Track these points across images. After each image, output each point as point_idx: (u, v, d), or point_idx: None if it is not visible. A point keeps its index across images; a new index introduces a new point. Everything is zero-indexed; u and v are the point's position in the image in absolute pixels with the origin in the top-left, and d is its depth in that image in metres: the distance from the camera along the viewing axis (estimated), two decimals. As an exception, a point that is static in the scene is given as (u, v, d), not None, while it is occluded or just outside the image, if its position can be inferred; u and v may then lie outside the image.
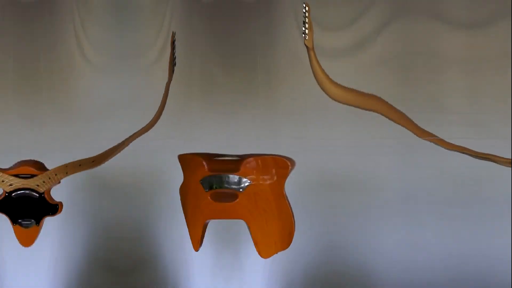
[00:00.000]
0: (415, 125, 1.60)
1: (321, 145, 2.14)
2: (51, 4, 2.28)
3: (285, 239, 1.59)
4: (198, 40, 2.24)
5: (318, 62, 1.53)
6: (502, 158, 1.50)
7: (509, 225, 2.11)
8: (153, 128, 1.73)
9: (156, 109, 1.74)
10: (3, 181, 1.58)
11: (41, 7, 2.27)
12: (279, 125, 2.21)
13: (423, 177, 2.17)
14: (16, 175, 1.58)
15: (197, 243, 1.63)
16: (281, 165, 1.56)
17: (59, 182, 1.62)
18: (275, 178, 1.56)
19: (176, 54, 1.77)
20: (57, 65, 2.28)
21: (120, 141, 1.70)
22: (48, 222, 1.66)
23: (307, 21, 1.49)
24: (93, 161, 1.63)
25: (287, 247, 1.59)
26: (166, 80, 1.77)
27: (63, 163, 1.61)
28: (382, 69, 2.18)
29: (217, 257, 2.22)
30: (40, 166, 1.63)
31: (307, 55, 1.53)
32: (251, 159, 1.56)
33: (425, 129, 1.61)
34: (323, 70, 1.54)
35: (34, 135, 2.26)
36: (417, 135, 1.60)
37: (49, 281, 2.27)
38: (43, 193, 1.60)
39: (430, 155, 2.05)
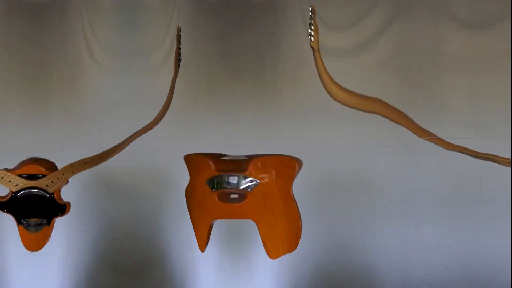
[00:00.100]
0: (416, 125, 1.60)
1: (326, 145, 2.13)
2: (60, 4, 2.28)
3: (293, 240, 1.57)
4: (205, 40, 2.24)
5: (323, 64, 1.54)
6: (502, 158, 1.49)
7: (509, 225, 2.11)
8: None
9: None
10: (10, 181, 1.56)
11: (50, 7, 2.27)
12: (284, 125, 2.20)
13: (423, 177, 2.17)
14: (21, 175, 1.57)
15: (203, 244, 1.62)
16: (288, 165, 1.55)
17: (67, 182, 1.61)
18: (283, 178, 1.56)
19: (182, 50, 1.76)
20: (65, 66, 2.28)
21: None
22: (55, 222, 1.65)
23: (312, 23, 1.51)
24: (98, 158, 1.62)
25: (294, 249, 1.58)
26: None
27: (69, 163, 1.60)
28: (384, 69, 2.18)
29: (224, 258, 2.22)
30: (49, 166, 1.61)
31: (312, 56, 1.54)
32: (258, 158, 1.55)
33: (426, 129, 1.61)
34: (327, 72, 1.54)
35: (42, 134, 2.25)
36: (417, 135, 1.60)
37: (56, 281, 2.27)
38: (52, 193, 1.59)
39: (430, 155, 2.05)
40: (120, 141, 1.67)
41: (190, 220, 1.64)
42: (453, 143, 1.57)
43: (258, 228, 1.57)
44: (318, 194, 2.17)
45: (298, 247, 1.58)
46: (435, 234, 2.17)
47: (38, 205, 1.59)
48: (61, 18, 2.28)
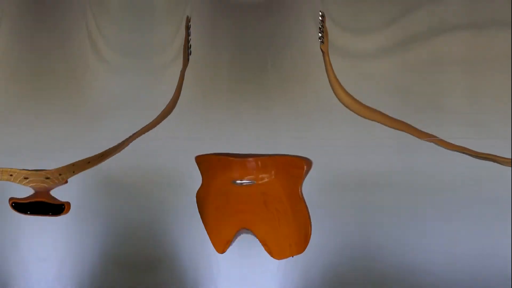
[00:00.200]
0: (417, 129, 1.61)
1: (335, 145, 2.13)
2: (62, 2, 2.28)
3: (301, 242, 1.56)
4: (212, 40, 2.23)
5: (332, 67, 1.57)
6: (503, 158, 1.50)
7: (509, 225, 2.11)
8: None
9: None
10: (11, 175, 1.55)
11: (52, 5, 2.27)
12: (289, 126, 2.20)
13: (423, 177, 2.17)
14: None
15: (224, 244, 1.60)
16: (295, 165, 1.55)
17: (66, 182, 1.60)
18: (289, 178, 1.55)
19: (191, 42, 1.76)
20: (69, 65, 2.27)
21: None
22: (61, 221, 1.65)
23: (323, 27, 1.58)
24: (101, 156, 1.60)
25: (302, 251, 1.57)
26: (185, 85, 1.75)
27: (71, 162, 1.59)
28: (385, 68, 2.19)
29: (234, 258, 2.22)
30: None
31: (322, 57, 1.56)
32: (258, 158, 1.55)
33: (425, 128, 1.61)
34: (335, 76, 1.57)
35: (44, 134, 2.24)
36: (417, 137, 1.60)
37: (63, 281, 2.27)
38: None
39: (430, 155, 2.05)
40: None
41: (198, 221, 1.63)
42: (453, 143, 1.57)
43: (253, 231, 1.56)
44: (326, 194, 2.16)
45: (307, 247, 1.57)
46: (435, 234, 2.17)
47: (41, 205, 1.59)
48: (63, 16, 2.28)
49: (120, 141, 1.64)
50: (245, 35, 2.21)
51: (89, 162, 1.58)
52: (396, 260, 2.18)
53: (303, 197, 1.55)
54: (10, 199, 1.60)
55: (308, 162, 1.56)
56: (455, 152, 1.56)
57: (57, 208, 1.60)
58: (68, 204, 1.62)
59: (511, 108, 2.12)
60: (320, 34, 1.62)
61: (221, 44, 2.23)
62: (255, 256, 2.18)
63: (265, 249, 1.56)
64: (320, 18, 1.63)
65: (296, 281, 2.19)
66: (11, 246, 2.26)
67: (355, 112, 1.62)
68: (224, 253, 1.65)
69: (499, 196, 2.12)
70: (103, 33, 2.27)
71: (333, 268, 2.18)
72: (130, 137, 1.63)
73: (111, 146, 1.62)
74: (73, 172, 1.56)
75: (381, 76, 2.19)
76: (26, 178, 1.52)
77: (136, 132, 1.63)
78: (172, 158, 2.18)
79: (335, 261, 2.17)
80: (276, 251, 1.55)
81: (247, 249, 2.18)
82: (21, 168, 1.54)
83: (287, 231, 1.54)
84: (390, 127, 1.59)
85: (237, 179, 1.55)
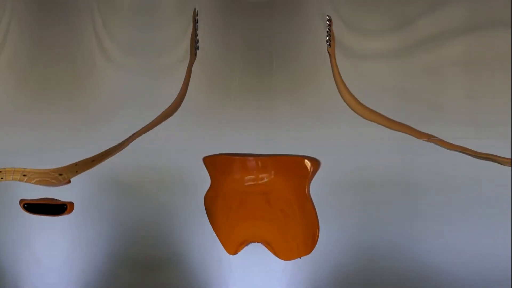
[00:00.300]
0: (417, 130, 1.61)
1: (344, 145, 2.13)
2: (69, 2, 2.28)
3: (309, 243, 1.55)
4: (221, 39, 2.23)
5: (338, 69, 1.63)
6: (503, 158, 1.50)
7: (509, 225, 2.11)
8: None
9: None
10: (24, 175, 1.54)
11: (58, 5, 2.28)
12: (293, 125, 2.20)
13: (423, 177, 2.17)
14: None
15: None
16: (300, 165, 1.54)
17: (69, 182, 1.58)
18: (296, 178, 1.54)
19: (198, 36, 1.76)
20: (75, 65, 2.28)
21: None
22: (70, 221, 1.64)
23: (330, 31, 1.65)
24: (104, 154, 1.58)
25: (310, 252, 1.56)
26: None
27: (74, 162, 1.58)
28: (385, 69, 2.19)
29: (243, 258, 2.21)
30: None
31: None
32: (258, 158, 1.55)
33: (426, 128, 1.61)
34: (341, 77, 1.60)
35: (49, 134, 2.25)
36: (417, 138, 1.61)
37: (72, 280, 2.27)
38: None
39: (431, 155, 2.05)
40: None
41: (207, 222, 1.62)
42: (453, 143, 1.57)
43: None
44: (335, 194, 2.16)
45: (316, 247, 1.56)
46: (436, 234, 2.17)
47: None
48: (71, 16, 2.28)
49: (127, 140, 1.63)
50: (252, 34, 2.22)
51: (93, 161, 1.56)
52: (403, 260, 2.18)
53: (310, 197, 1.54)
54: (21, 200, 1.60)
55: (314, 162, 1.54)
56: (455, 152, 1.57)
57: (59, 208, 1.60)
58: (71, 204, 1.61)
59: (511, 108, 2.12)
60: (327, 38, 1.68)
61: (229, 43, 2.23)
62: (264, 257, 2.19)
63: (270, 250, 1.55)
64: (327, 22, 1.69)
65: (304, 282, 2.19)
66: (21, 246, 2.26)
67: (358, 114, 1.64)
68: (225, 254, 1.64)
69: (499, 196, 2.12)
70: (110, 32, 2.28)
71: (341, 269, 2.18)
72: (133, 134, 1.62)
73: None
74: (76, 171, 1.55)
75: (382, 76, 2.19)
76: (37, 178, 1.52)
77: (142, 128, 1.62)
78: (180, 159, 2.18)
79: (343, 261, 2.18)
80: (282, 252, 1.54)
81: (256, 250, 2.19)
82: (25, 167, 1.54)
83: (294, 232, 1.53)
84: (392, 129, 1.60)
85: (247, 180, 1.55)
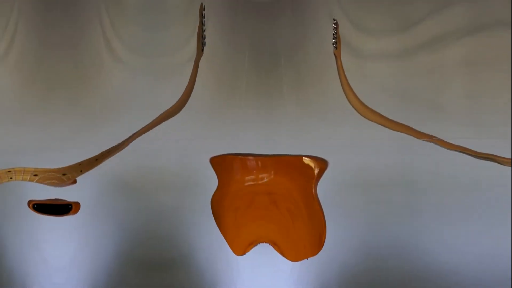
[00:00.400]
0: (417, 131, 1.61)
1: (353, 145, 2.14)
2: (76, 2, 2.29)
3: (316, 243, 1.54)
4: (228, 39, 2.23)
5: (343, 70, 1.67)
6: (503, 158, 1.50)
7: (509, 225, 2.11)
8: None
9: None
10: (35, 175, 1.53)
11: (66, 6, 2.28)
12: (300, 125, 2.20)
13: (424, 177, 2.17)
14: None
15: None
16: (305, 165, 1.54)
17: (75, 182, 1.58)
18: (302, 178, 1.53)
19: (205, 33, 1.76)
20: (84, 65, 2.28)
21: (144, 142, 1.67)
22: (77, 221, 1.63)
23: (336, 34, 1.71)
24: (107, 153, 1.55)
25: (317, 252, 1.55)
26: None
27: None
28: (387, 69, 2.19)
29: (252, 258, 2.20)
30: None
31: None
32: (259, 158, 1.54)
33: (426, 128, 1.62)
34: (346, 79, 1.66)
35: (56, 134, 2.25)
36: (417, 138, 1.61)
37: (86, 279, 2.27)
38: None
39: (430, 155, 2.05)
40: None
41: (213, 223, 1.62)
42: (453, 143, 1.57)
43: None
44: (340, 194, 2.16)
45: (324, 247, 1.55)
46: (436, 233, 2.17)
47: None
48: (78, 16, 2.28)
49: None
50: (259, 34, 2.22)
51: (96, 160, 1.55)
52: (407, 259, 2.18)
53: (317, 198, 1.54)
54: (30, 201, 1.59)
55: (321, 163, 1.54)
56: (455, 152, 1.57)
57: (64, 208, 1.60)
58: (77, 204, 1.61)
59: (511, 108, 2.12)
60: (333, 40, 1.72)
61: (236, 42, 2.23)
62: (271, 258, 2.18)
63: (277, 251, 1.54)
64: (333, 25, 1.73)
65: (312, 282, 2.19)
66: (29, 246, 2.27)
67: (362, 115, 1.65)
68: (232, 254, 1.64)
69: (499, 196, 2.12)
70: (118, 33, 2.27)
71: (347, 269, 2.18)
72: (135, 133, 1.61)
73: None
74: (81, 171, 1.54)
75: (383, 76, 2.19)
76: (44, 178, 1.52)
77: (145, 126, 1.61)
78: (187, 159, 2.18)
79: (350, 261, 2.18)
80: (290, 253, 1.52)
81: (264, 251, 2.19)
82: (33, 167, 1.54)
83: (301, 232, 1.52)
84: (394, 130, 1.61)
85: (254, 180, 1.55)
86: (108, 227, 2.26)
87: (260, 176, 1.55)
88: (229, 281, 2.21)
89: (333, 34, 1.73)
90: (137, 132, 1.57)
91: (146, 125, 1.59)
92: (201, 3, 1.78)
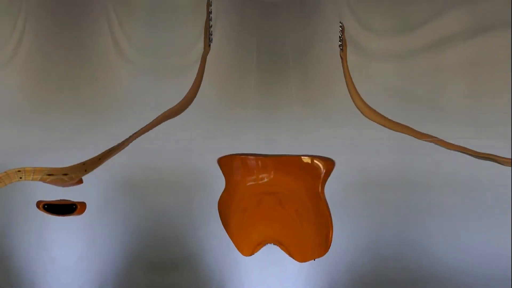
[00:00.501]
0: (417, 131, 1.62)
1: (359, 145, 2.14)
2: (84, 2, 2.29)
3: (322, 244, 1.54)
4: (236, 40, 2.24)
5: (349, 73, 1.71)
6: (503, 158, 1.50)
7: (509, 225, 2.11)
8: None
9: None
10: (49, 174, 1.52)
11: (74, 6, 2.29)
12: (306, 126, 2.20)
13: (424, 177, 2.17)
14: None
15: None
16: (312, 165, 1.53)
17: (81, 182, 1.58)
18: (310, 178, 1.53)
19: (212, 25, 1.77)
20: (92, 65, 2.28)
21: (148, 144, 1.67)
22: (83, 221, 1.63)
23: (342, 37, 1.76)
24: (110, 151, 1.54)
25: (324, 254, 1.55)
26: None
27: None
28: (387, 69, 2.19)
29: (257, 258, 2.20)
30: None
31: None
32: (269, 158, 1.54)
33: (426, 128, 1.62)
34: (352, 80, 1.69)
35: (65, 134, 2.26)
36: (417, 138, 1.61)
37: (94, 280, 2.28)
38: None
39: (430, 155, 2.05)
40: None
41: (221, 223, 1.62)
42: (453, 143, 1.57)
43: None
44: (352, 194, 2.16)
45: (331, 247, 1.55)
46: (436, 234, 2.17)
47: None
48: (85, 16, 2.28)
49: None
50: (268, 34, 2.22)
51: (100, 159, 1.55)
52: (422, 258, 2.18)
53: (324, 198, 1.54)
54: (39, 202, 1.59)
55: (328, 163, 1.54)
56: (455, 152, 1.57)
57: (69, 208, 1.60)
58: (83, 204, 1.60)
59: (511, 108, 2.12)
60: (340, 43, 1.77)
61: (244, 42, 2.23)
62: (279, 258, 2.18)
63: (285, 251, 1.54)
64: (340, 28, 1.78)
65: (320, 282, 2.19)
66: (37, 246, 2.27)
67: (366, 116, 1.66)
68: (239, 255, 1.64)
69: (499, 196, 2.12)
70: (126, 33, 2.27)
71: (357, 269, 2.18)
72: (137, 132, 1.61)
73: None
74: (85, 170, 1.54)
75: (383, 76, 2.19)
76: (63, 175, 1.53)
77: (151, 122, 1.61)
78: (194, 158, 2.18)
79: (357, 262, 2.18)
80: (297, 253, 1.52)
81: (272, 251, 2.19)
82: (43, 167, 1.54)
83: (308, 233, 1.52)
84: (397, 131, 1.63)
85: (262, 180, 1.55)
86: (116, 227, 2.26)
87: (267, 176, 1.55)
88: (237, 281, 2.22)
89: (340, 37, 1.78)
90: (141, 129, 1.57)
91: (152, 122, 1.59)
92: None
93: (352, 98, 1.69)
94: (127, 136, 1.54)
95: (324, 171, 1.53)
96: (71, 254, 2.26)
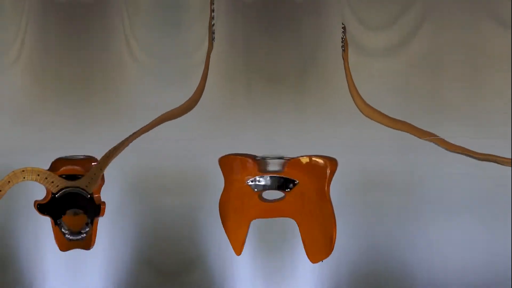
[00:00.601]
0: (418, 129, 1.62)
1: (362, 146, 2.14)
2: (99, 5, 2.28)
3: (327, 245, 1.56)
4: (244, 40, 2.24)
5: (350, 73, 1.72)
6: (503, 158, 1.50)
7: (509, 225, 2.11)
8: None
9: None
10: (52, 182, 1.55)
11: (90, 8, 2.28)
12: (312, 126, 2.21)
13: (424, 177, 2.17)
14: (61, 175, 1.56)
15: (241, 246, 1.61)
16: (318, 165, 1.54)
17: (103, 181, 1.60)
18: (317, 178, 1.54)
19: (215, 22, 1.78)
20: (105, 66, 2.28)
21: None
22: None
23: (344, 38, 1.77)
24: (113, 150, 1.57)
25: (329, 254, 1.57)
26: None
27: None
28: (389, 69, 2.20)
29: (262, 259, 2.21)
30: (85, 163, 1.62)
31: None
32: (294, 159, 1.55)
33: (426, 128, 1.62)
34: (353, 81, 1.70)
35: (78, 135, 2.26)
36: (419, 137, 1.61)
37: (97, 281, 2.27)
38: (92, 193, 1.58)
39: (431, 155, 2.05)
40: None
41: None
42: (453, 143, 1.58)
43: (299, 228, 1.57)
44: (352, 194, 2.16)
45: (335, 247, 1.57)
46: (436, 234, 2.17)
47: (79, 205, 1.59)
48: (100, 18, 2.28)
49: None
50: (269, 34, 2.22)
51: (107, 156, 1.56)
52: (424, 258, 2.18)
53: (330, 198, 1.55)
54: (37, 201, 1.61)
55: (332, 162, 1.55)
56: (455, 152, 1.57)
57: (98, 209, 1.62)
58: (104, 204, 1.62)
59: (511, 108, 2.12)
60: (342, 44, 1.78)
61: (248, 44, 2.24)
62: (285, 259, 2.19)
63: (306, 251, 1.56)
64: (342, 29, 1.79)
65: (326, 282, 2.19)
66: (42, 247, 2.26)
67: (367, 116, 1.67)
68: (245, 255, 1.66)
69: (499, 196, 2.12)
70: (136, 35, 2.27)
71: (357, 269, 2.19)
72: (138, 130, 1.61)
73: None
74: (101, 169, 1.55)
75: (384, 76, 2.19)
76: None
77: (153, 120, 1.62)
78: (200, 159, 2.18)
79: (358, 262, 2.19)
80: (312, 254, 1.54)
81: (279, 252, 2.19)
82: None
83: (317, 233, 1.54)
84: (398, 130, 1.63)
85: (251, 179, 1.57)
86: (116, 227, 2.26)
87: (268, 175, 1.57)
88: (240, 282, 2.22)
89: (342, 38, 1.78)
90: (141, 129, 1.58)
91: (154, 120, 1.59)
92: None
93: (352, 98, 1.70)
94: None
95: (329, 171, 1.54)
96: (75, 256, 2.25)
